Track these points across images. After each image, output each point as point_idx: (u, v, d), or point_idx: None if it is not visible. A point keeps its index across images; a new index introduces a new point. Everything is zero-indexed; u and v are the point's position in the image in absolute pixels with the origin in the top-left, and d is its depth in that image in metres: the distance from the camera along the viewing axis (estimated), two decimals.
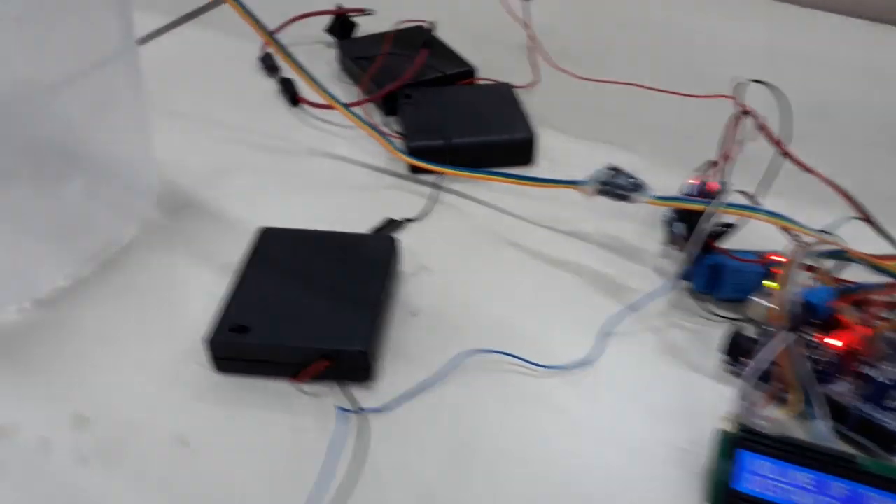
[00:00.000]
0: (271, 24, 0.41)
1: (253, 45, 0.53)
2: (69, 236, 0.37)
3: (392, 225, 0.39)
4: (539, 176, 0.40)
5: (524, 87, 0.49)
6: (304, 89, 0.48)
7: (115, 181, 0.39)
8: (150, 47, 0.55)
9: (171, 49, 0.56)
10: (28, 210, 0.38)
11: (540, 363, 0.32)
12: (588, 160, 0.43)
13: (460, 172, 0.40)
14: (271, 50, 0.50)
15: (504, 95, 0.46)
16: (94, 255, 0.37)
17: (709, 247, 0.34)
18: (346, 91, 0.49)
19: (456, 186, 0.42)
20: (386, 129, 0.44)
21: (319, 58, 0.53)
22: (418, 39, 0.51)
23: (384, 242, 0.35)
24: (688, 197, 0.35)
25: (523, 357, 0.32)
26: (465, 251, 0.38)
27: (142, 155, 0.39)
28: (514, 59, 0.52)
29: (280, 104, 0.49)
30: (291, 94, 0.48)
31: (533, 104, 0.46)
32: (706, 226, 0.33)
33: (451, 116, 0.44)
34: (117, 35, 0.36)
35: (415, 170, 0.43)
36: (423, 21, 0.53)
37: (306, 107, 0.48)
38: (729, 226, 0.35)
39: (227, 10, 0.59)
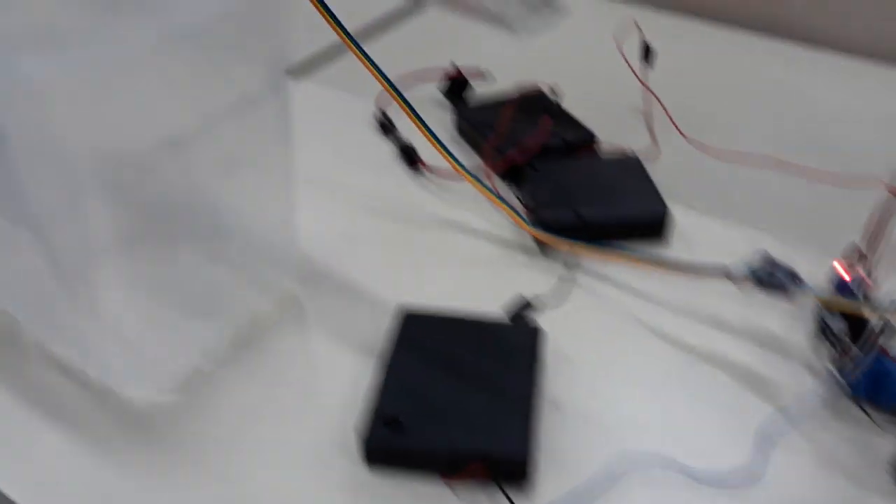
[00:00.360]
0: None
1: (365, 104, 0.53)
2: (206, 311, 0.37)
3: (527, 306, 0.38)
4: (674, 255, 0.39)
5: (645, 155, 0.48)
6: (423, 152, 0.48)
7: (256, 249, 0.38)
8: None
9: None
10: (164, 279, 0.38)
11: (700, 473, 0.30)
12: (722, 239, 0.42)
13: (599, 252, 0.39)
14: (386, 109, 0.51)
15: (631, 167, 0.45)
16: (232, 332, 0.36)
17: (878, 351, 0.32)
18: (462, 155, 0.49)
19: (587, 262, 0.41)
20: (512, 202, 0.43)
21: (432, 118, 0.52)
22: (538, 105, 0.50)
23: (529, 332, 0.34)
24: (855, 298, 0.34)
25: (684, 464, 0.30)
26: (602, 337, 0.37)
27: (284, 220, 0.38)
28: (634, 125, 0.51)
29: (398, 167, 0.48)
30: (410, 158, 0.48)
31: (655, 173, 0.45)
32: (876, 331, 0.31)
33: (580, 189, 0.43)
34: (264, 75, 0.34)
35: (541, 242, 0.42)
36: (539, 85, 0.52)
37: (425, 171, 0.48)
38: (889, 326, 0.33)
39: (337, 67, 0.60)
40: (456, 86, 0.54)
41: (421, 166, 0.48)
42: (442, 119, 0.52)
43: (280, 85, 0.35)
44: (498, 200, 0.42)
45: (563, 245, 0.40)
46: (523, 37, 0.23)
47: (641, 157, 0.46)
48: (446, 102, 0.54)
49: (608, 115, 0.51)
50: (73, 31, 0.22)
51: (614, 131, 0.49)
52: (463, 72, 0.53)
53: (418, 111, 0.41)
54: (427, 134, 0.41)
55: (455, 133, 0.52)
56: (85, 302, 0.34)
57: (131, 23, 0.23)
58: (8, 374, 0.35)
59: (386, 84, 0.39)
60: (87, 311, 0.34)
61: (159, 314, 0.36)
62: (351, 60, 0.36)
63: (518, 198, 0.45)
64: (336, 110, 0.54)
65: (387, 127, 0.51)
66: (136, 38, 0.23)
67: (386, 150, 0.50)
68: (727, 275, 0.36)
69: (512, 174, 0.46)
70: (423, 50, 0.60)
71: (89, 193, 0.32)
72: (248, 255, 0.38)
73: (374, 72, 0.38)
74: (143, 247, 0.39)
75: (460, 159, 0.43)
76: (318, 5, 0.34)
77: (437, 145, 0.42)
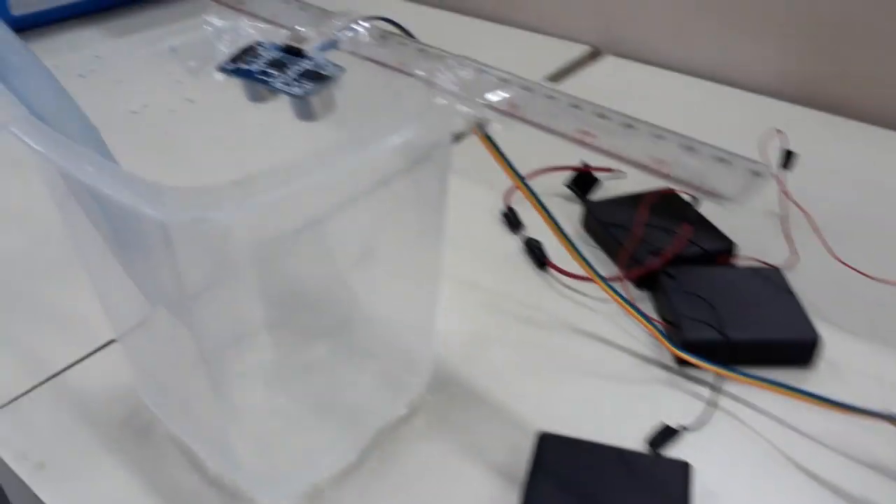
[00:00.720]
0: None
1: (490, 196, 0.52)
2: (337, 410, 0.36)
3: (669, 433, 0.36)
4: (823, 383, 0.37)
5: (786, 266, 0.45)
6: (551, 249, 0.47)
7: (393, 346, 0.38)
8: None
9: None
10: (298, 375, 0.38)
11: None
12: (876, 368, 0.40)
13: (751, 380, 0.37)
14: (511, 201, 0.50)
15: (775, 282, 0.43)
16: (361, 435, 0.36)
17: None
18: (591, 254, 0.48)
19: (728, 386, 0.39)
20: (651, 315, 0.42)
21: (559, 213, 0.51)
22: (673, 207, 0.49)
23: (677, 468, 0.32)
24: None
25: None
26: (750, 472, 0.35)
27: (425, 317, 0.37)
28: (774, 233, 0.49)
29: (526, 265, 0.48)
30: (538, 257, 0.47)
31: (797, 287, 0.42)
32: None
33: (721, 304, 0.41)
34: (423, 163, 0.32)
35: (681, 361, 0.40)
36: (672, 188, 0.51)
37: (553, 272, 0.47)
38: None
39: (461, 155, 0.60)
40: (583, 180, 0.53)
41: (549, 266, 0.47)
42: (568, 213, 0.52)
43: (440, 180, 0.34)
44: (636, 313, 0.41)
45: (708, 368, 0.38)
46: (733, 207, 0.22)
47: (783, 269, 0.44)
48: (570, 194, 0.53)
49: (746, 222, 0.49)
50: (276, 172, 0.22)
51: (753, 240, 0.47)
52: (593, 168, 0.53)
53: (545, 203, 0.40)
54: (560, 235, 0.40)
55: (581, 229, 0.51)
56: (221, 395, 0.34)
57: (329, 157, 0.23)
58: (140, 466, 0.35)
59: (518, 180, 0.38)
60: (224, 406, 0.34)
61: (291, 411, 0.36)
62: (471, 144, 0.35)
63: (656, 309, 0.43)
64: (457, 198, 0.54)
65: (513, 222, 0.50)
66: (325, 172, 0.23)
67: (513, 247, 0.49)
68: (892, 420, 0.33)
69: (647, 281, 0.45)
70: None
71: (238, 275, 0.32)
72: (384, 352, 0.38)
73: (507, 166, 0.37)
74: (279, 340, 0.39)
75: (590, 259, 0.41)
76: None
77: (571, 249, 0.41)
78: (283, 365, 0.37)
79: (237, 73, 0.28)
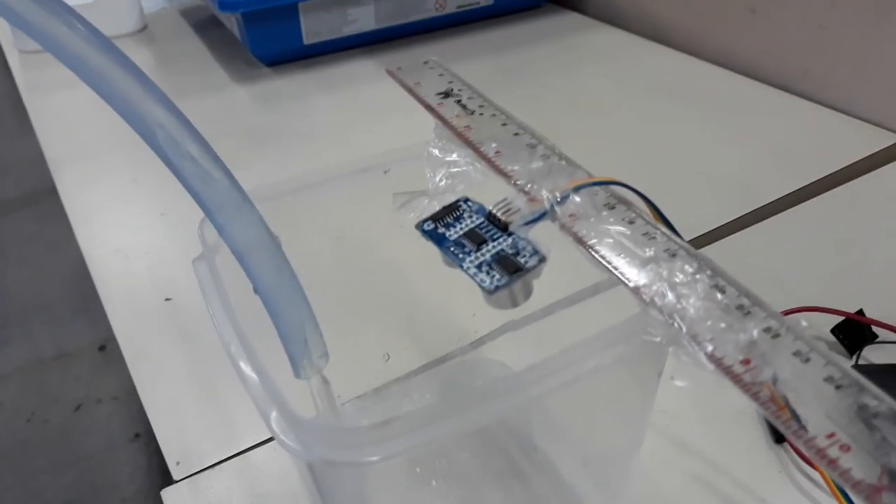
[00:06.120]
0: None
1: None
2: None
3: None
4: None
5: None
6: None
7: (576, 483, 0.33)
8: None
9: None
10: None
11: None
12: None
13: None
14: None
15: None
16: None
17: None
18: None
19: None
20: None
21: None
22: None
23: None
24: None
25: None
26: None
27: (626, 455, 0.32)
28: None
29: (758, 432, 0.40)
30: (777, 430, 0.39)
31: None
32: None
33: None
34: None
35: None
36: None
37: (792, 451, 0.39)
38: None
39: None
40: (855, 331, 0.43)
41: (788, 445, 0.39)
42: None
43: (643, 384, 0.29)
44: None
45: None
46: None
47: None
48: (836, 343, 0.44)
49: None
50: None
51: None
52: (871, 319, 0.43)
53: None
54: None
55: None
56: None
57: None
58: None
59: None
60: None
61: None
62: None
63: None
64: None
65: None
66: None
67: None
68: None
69: None
70: (825, 277, 0.50)
71: None
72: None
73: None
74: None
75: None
76: None
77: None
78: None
79: (432, 236, 0.25)
